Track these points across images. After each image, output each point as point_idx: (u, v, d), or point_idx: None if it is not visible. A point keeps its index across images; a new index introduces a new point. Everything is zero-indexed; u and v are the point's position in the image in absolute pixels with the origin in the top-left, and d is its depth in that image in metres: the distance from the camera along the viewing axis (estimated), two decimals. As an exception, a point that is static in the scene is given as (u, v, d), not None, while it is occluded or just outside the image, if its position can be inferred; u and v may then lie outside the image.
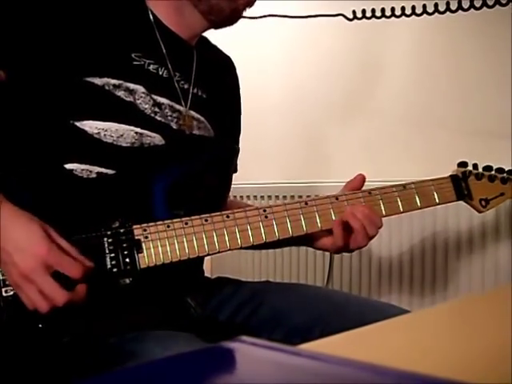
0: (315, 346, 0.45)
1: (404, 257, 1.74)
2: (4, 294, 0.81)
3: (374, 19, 1.42)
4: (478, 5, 1.34)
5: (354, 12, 1.46)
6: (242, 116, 1.22)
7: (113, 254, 0.85)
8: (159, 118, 0.95)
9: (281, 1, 1.86)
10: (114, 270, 0.85)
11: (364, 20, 1.43)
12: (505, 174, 1.11)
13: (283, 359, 0.36)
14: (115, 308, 0.86)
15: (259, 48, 2.08)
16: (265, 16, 1.57)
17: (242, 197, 2.04)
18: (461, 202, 1.11)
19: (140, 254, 0.86)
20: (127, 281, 0.86)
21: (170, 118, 0.97)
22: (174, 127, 0.98)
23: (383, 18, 1.41)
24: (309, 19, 1.57)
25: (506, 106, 1.59)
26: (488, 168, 1.11)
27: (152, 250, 0.87)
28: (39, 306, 0.78)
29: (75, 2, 0.92)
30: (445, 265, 1.67)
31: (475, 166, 1.11)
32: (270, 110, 2.07)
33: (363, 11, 1.44)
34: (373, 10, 1.42)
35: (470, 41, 1.69)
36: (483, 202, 1.10)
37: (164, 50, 1.00)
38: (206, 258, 1.11)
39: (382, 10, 1.41)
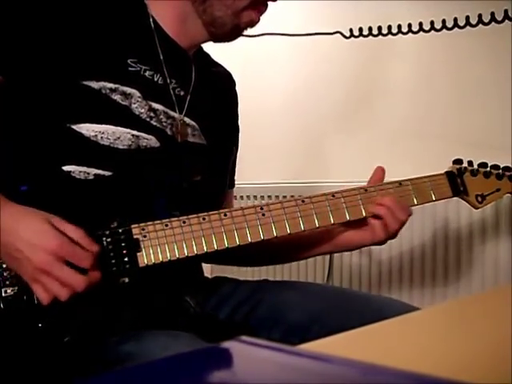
0: (315, 345, 0.45)
1: (404, 256, 1.74)
2: (3, 294, 0.81)
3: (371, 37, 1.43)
4: (473, 22, 1.34)
5: (351, 30, 1.47)
6: (239, 133, 1.22)
7: (112, 254, 0.85)
8: (154, 123, 0.96)
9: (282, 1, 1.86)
10: (113, 269, 0.85)
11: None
12: (500, 170, 1.12)
13: (283, 359, 0.36)
14: (115, 307, 0.86)
15: (261, 50, 2.08)
16: (262, 34, 1.57)
17: (242, 197, 2.04)
18: (461, 201, 1.12)
19: (139, 253, 0.87)
20: (126, 280, 0.86)
21: (164, 123, 0.98)
22: (169, 133, 0.98)
23: (380, 36, 1.42)
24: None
25: (505, 116, 1.59)
26: (483, 165, 1.11)
27: (150, 249, 0.87)
28: (60, 294, 0.79)
29: (74, 5, 0.92)
30: (445, 264, 1.67)
31: (470, 163, 1.11)
32: (270, 111, 2.06)
33: (360, 29, 1.45)
34: (370, 28, 1.43)
35: (469, 51, 1.69)
36: (479, 198, 1.10)
37: (161, 57, 0.99)
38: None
39: (379, 28, 1.42)
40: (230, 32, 1.02)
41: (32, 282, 0.80)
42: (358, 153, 1.89)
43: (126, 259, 0.86)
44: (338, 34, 1.50)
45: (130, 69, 0.95)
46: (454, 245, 1.66)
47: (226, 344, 0.38)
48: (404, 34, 1.39)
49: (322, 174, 1.94)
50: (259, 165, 2.04)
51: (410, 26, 1.38)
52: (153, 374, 0.34)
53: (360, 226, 1.03)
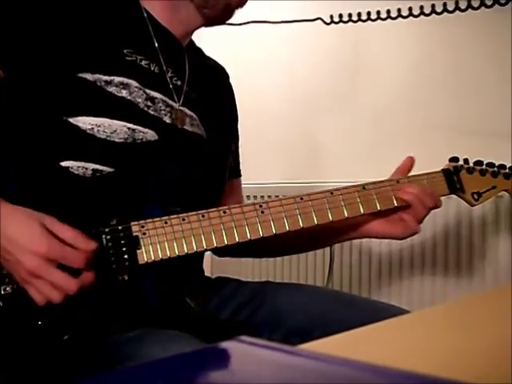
0: (315, 346, 0.45)
1: (404, 256, 1.74)
2: (3, 291, 0.81)
3: (358, 22, 1.43)
4: (476, 5, 1.34)
5: (331, 16, 1.48)
6: (238, 123, 1.22)
7: (111, 251, 0.85)
8: (152, 112, 0.95)
9: (269, 1, 1.86)
10: (113, 266, 0.85)
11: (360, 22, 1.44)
12: (495, 168, 1.13)
13: (283, 359, 0.36)
14: (115, 306, 0.86)
15: (257, 48, 2.08)
16: (247, 23, 1.58)
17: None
18: (461, 201, 1.12)
19: (138, 251, 0.86)
20: (126, 277, 0.86)
21: (163, 112, 0.97)
22: (167, 121, 0.98)
23: (369, 21, 1.42)
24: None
25: (505, 106, 1.59)
26: (479, 163, 1.12)
27: (150, 246, 0.87)
28: (52, 297, 0.79)
29: None
30: (445, 264, 1.67)
31: (466, 161, 1.12)
32: (269, 111, 2.06)
33: (340, 15, 1.45)
34: (349, 15, 1.44)
35: (469, 40, 1.69)
36: (475, 196, 1.11)
37: (157, 46, 1.00)
38: (205, 258, 1.11)
39: (359, 14, 1.42)
40: (221, 12, 1.03)
41: (25, 284, 0.79)
42: (359, 152, 1.89)
43: (125, 256, 0.86)
44: (319, 21, 1.50)
45: (127, 58, 0.95)
46: (454, 245, 1.66)
47: (226, 344, 0.38)
48: (383, 19, 1.39)
49: (323, 174, 1.94)
50: (259, 165, 2.04)
51: (399, 10, 1.38)
52: (153, 374, 0.34)
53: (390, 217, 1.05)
